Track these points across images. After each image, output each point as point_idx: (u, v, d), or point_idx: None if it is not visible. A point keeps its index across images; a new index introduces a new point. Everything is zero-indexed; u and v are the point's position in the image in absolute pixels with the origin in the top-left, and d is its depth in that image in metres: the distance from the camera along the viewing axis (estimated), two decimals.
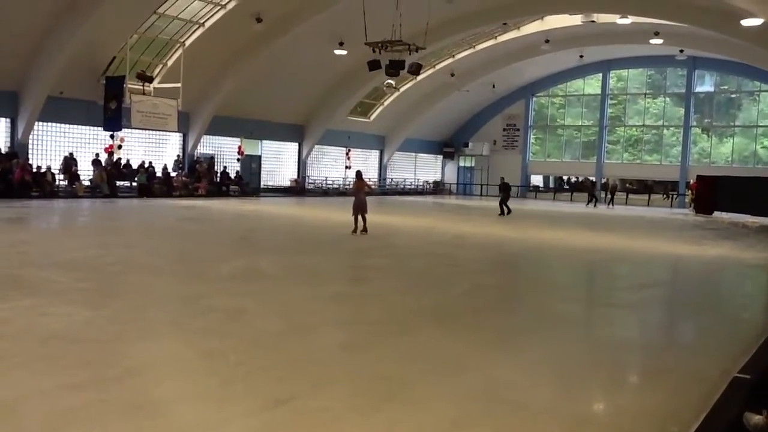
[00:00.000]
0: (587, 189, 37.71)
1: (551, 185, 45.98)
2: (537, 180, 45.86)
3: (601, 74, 40.92)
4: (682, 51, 34.34)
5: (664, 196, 37.89)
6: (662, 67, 39.28)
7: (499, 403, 4.61)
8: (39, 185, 23.45)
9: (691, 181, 35.40)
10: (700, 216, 30.17)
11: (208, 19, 25.76)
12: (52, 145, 25.57)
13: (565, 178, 46.09)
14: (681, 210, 34.91)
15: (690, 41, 31.81)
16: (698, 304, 9.40)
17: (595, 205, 35.01)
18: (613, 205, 35.18)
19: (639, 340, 6.96)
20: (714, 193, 30.89)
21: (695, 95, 38.66)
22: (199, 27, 25.98)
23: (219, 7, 25.36)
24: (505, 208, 24.10)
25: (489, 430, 4.15)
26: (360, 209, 15.00)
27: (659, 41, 31.48)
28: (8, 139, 24.16)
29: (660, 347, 6.76)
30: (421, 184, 44.39)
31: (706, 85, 38.97)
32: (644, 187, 41.24)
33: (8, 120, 24.08)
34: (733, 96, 38.17)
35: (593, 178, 40.11)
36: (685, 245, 17.19)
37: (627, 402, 4.89)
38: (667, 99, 40.08)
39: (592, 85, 41.85)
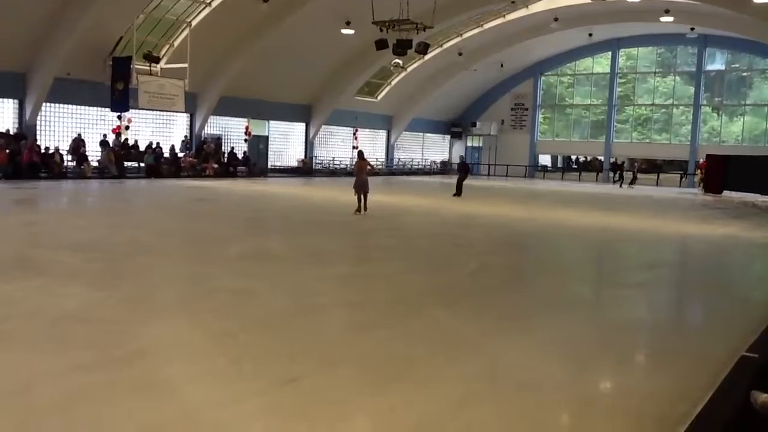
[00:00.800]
0: (617, 168, 37.23)
1: (559, 165, 45.77)
2: (545, 160, 45.64)
3: (610, 53, 40.50)
4: (692, 29, 33.88)
5: (684, 175, 37.55)
6: (672, 45, 38.84)
7: (507, 383, 4.62)
8: (47, 166, 23.52)
9: (701, 161, 35.15)
10: (709, 196, 30.01)
11: None
12: (60, 126, 25.59)
13: (573, 157, 45.88)
14: (690, 190, 34.70)
15: (701, 19, 31.39)
16: (707, 283, 9.38)
17: (620, 185, 34.77)
18: (634, 185, 34.76)
19: (647, 321, 6.95)
20: (724, 173, 30.68)
21: (706, 73, 38.24)
22: (205, 7, 25.83)
23: None
24: (460, 188, 22.39)
25: (496, 410, 4.16)
26: (362, 189, 15.04)
27: (670, 19, 31.08)
28: (16, 121, 24.19)
29: (668, 327, 6.75)
30: (429, 164, 44.27)
31: (716, 63, 38.53)
32: (653, 167, 40.97)
33: (16, 101, 24.09)
34: (744, 74, 37.75)
35: (618, 159, 39.24)
36: (694, 225, 17.11)
37: (635, 382, 4.89)
38: (677, 77, 39.68)
39: (601, 63, 41.45)
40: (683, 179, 37.28)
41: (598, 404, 4.43)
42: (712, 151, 33.70)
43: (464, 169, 23.57)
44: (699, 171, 35.16)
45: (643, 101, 40.58)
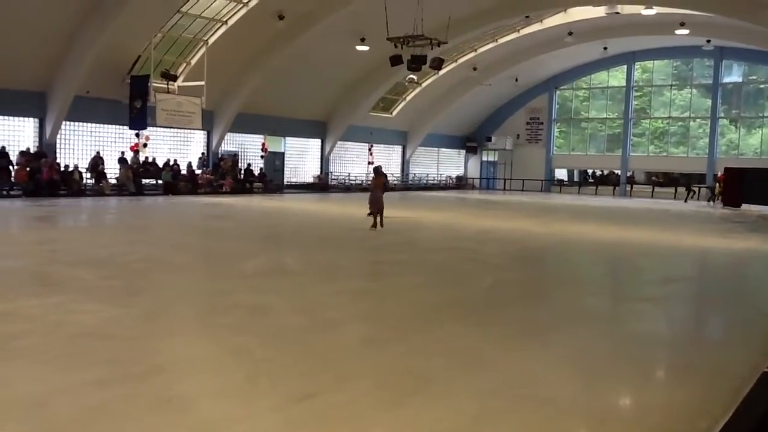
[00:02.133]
0: (679, 183, 36.18)
1: (576, 179, 45.59)
2: (561, 174, 45.49)
3: (625, 66, 40.40)
4: (708, 41, 33.77)
5: (690, 193, 36.07)
6: (688, 58, 38.68)
7: (523, 398, 4.59)
8: (67, 184, 23.81)
9: (719, 174, 34.83)
10: (727, 209, 29.70)
11: (230, 17, 25.93)
12: (79, 144, 25.95)
13: (589, 171, 45.68)
14: (708, 203, 34.37)
15: (717, 31, 31.25)
16: (726, 298, 9.27)
17: (686, 200, 34.10)
18: (714, 201, 33.30)
19: (665, 335, 6.88)
20: (742, 186, 30.37)
21: (723, 86, 38.01)
22: (222, 25, 26.16)
23: (241, 5, 25.50)
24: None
25: (512, 425, 4.14)
26: (377, 204, 15.07)
27: (685, 32, 31.00)
28: (37, 139, 24.55)
29: (687, 342, 6.68)
30: (444, 179, 44.27)
31: (733, 75, 38.29)
32: (670, 180, 40.64)
33: (37, 120, 24.47)
34: (762, 86, 37.47)
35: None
36: (712, 238, 16.94)
37: (654, 397, 4.83)
38: (694, 90, 39.47)
39: (616, 77, 41.36)
40: (693, 196, 35.91)
41: (616, 420, 4.38)
42: (730, 163, 33.41)
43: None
44: (718, 184, 34.82)
45: (659, 114, 40.39)
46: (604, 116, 42.15)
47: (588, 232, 17.28)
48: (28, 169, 22.62)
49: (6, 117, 23.90)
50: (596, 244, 14.76)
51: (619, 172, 41.30)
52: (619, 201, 34.40)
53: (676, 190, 38.07)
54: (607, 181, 43.34)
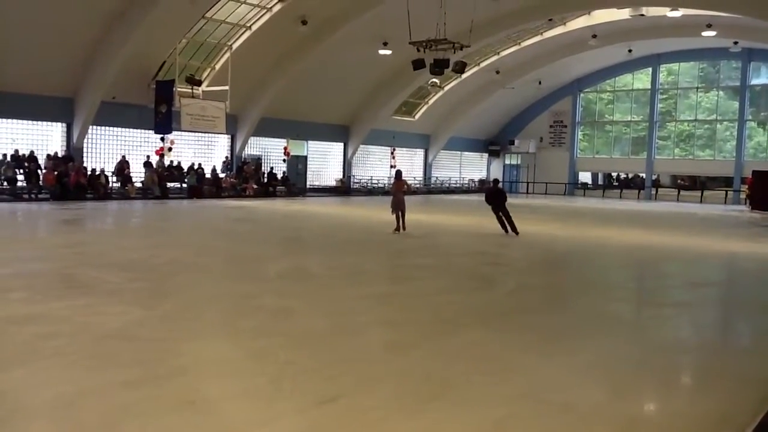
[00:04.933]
0: (706, 186, 35.44)
1: (600, 182, 45.19)
2: (585, 177, 45.12)
3: (650, 68, 39.97)
4: (736, 43, 33.28)
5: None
6: (715, 59, 38.16)
7: (546, 404, 4.56)
8: (93, 187, 24.16)
9: (748, 177, 34.30)
10: (756, 212, 29.24)
11: (254, 22, 26.14)
12: (106, 148, 26.34)
13: (614, 174, 45.22)
14: (736, 207, 33.86)
15: (744, 32, 30.80)
16: (753, 304, 9.12)
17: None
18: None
19: (691, 342, 6.80)
20: None
21: (750, 88, 37.43)
22: (245, 30, 26.38)
23: (265, 11, 25.70)
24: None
25: (535, 431, 4.12)
26: (398, 208, 15.12)
27: (712, 33, 30.58)
28: (64, 144, 24.97)
29: (713, 349, 6.58)
30: (467, 182, 44.13)
31: (762, 77, 37.68)
32: (696, 183, 40.17)
33: (64, 125, 24.89)
34: None
35: None
36: (740, 243, 16.69)
37: (679, 405, 4.78)
38: (721, 92, 38.91)
39: (641, 79, 40.94)
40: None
41: (640, 426, 4.34)
42: (759, 167, 32.89)
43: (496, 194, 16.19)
44: (747, 187, 34.29)
45: (685, 117, 39.89)
46: (629, 119, 41.73)
47: (613, 235, 17.12)
48: (55, 172, 23.01)
49: (34, 122, 24.36)
50: (621, 248, 14.61)
51: (644, 175, 40.85)
52: (644, 204, 34.00)
53: (702, 194, 37.58)
54: (632, 184, 42.92)
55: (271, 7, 25.59)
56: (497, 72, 36.48)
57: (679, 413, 4.54)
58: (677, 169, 40.85)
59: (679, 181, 42.56)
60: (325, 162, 35.44)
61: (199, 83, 26.54)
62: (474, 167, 45.43)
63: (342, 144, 35.80)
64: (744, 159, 37.07)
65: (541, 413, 4.39)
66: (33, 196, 22.75)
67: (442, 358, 5.55)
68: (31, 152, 23.47)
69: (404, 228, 15.16)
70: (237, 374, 5.03)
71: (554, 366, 5.49)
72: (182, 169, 27.67)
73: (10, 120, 23.77)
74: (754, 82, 37.54)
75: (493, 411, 4.37)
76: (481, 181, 44.91)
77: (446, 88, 36.98)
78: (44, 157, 23.77)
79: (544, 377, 5.17)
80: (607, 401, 4.68)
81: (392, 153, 38.17)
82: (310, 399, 4.46)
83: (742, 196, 34.97)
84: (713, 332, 7.56)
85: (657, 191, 39.96)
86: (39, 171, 23.26)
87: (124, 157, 25.97)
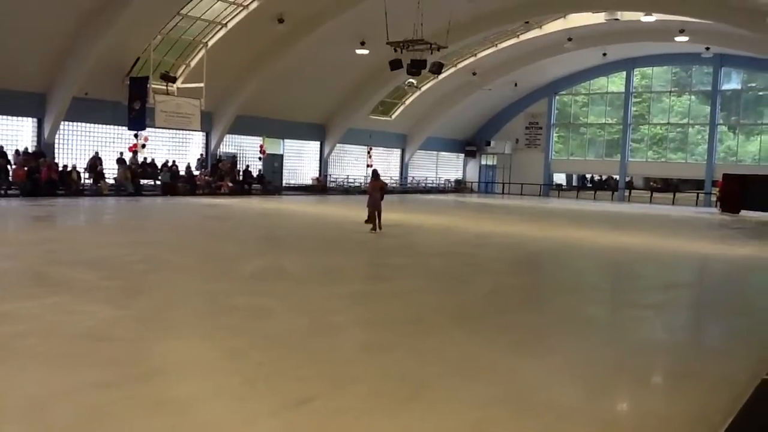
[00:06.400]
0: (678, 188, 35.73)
1: (574, 183, 45.63)
2: (560, 178, 45.55)
3: (625, 72, 40.49)
4: (708, 48, 33.82)
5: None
6: (688, 64, 38.77)
7: (522, 405, 4.57)
8: (65, 184, 23.79)
9: (719, 180, 34.90)
10: (726, 215, 29.74)
11: (230, 19, 25.94)
12: (78, 144, 25.94)
13: (588, 176, 45.67)
14: (707, 209, 34.41)
15: (716, 38, 31.32)
16: (725, 305, 9.26)
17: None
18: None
19: (666, 343, 6.87)
20: (741, 192, 30.43)
21: (722, 93, 38.09)
22: (221, 28, 26.15)
23: (241, 8, 25.51)
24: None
25: None
26: (375, 207, 15.12)
27: (684, 39, 31.06)
28: (35, 139, 24.54)
29: (687, 349, 6.67)
30: (443, 182, 44.30)
31: (732, 82, 38.39)
32: (668, 186, 40.78)
33: (35, 120, 24.47)
34: (761, 93, 37.56)
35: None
36: (711, 244, 16.95)
37: (654, 405, 4.82)
38: (693, 97, 39.54)
39: (615, 83, 41.43)
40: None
41: (617, 426, 4.37)
42: (729, 170, 33.48)
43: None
44: (718, 190, 34.86)
45: (658, 120, 40.46)
46: (603, 122, 42.21)
47: (587, 237, 17.28)
48: (26, 168, 22.59)
49: (4, 117, 23.88)
50: (595, 250, 14.75)
51: (617, 177, 41.37)
52: (617, 206, 34.41)
53: (674, 196, 38.17)
54: (606, 186, 43.43)
55: (247, 5, 25.40)
56: (474, 73, 36.67)
57: (654, 413, 4.58)
58: (650, 171, 41.41)
59: (651, 183, 43.15)
60: (301, 160, 35.32)
61: (173, 80, 26.26)
62: (450, 167, 45.61)
63: (318, 143, 35.70)
64: (715, 162, 37.69)
65: (518, 414, 4.40)
66: (2, 192, 22.30)
67: (419, 359, 5.54)
68: (0, 147, 23.01)
69: (380, 228, 15.17)
70: (212, 374, 4.96)
71: (531, 366, 5.51)
72: (156, 166, 27.36)
73: None
74: (725, 87, 38.21)
75: (471, 412, 4.37)
76: (457, 182, 45.12)
77: (423, 89, 37.09)
78: (13, 152, 23.33)
79: (521, 378, 5.18)
80: (584, 402, 4.70)
81: (369, 152, 38.16)
82: (286, 400, 4.42)
83: (713, 198, 35.58)
84: (687, 333, 7.66)
85: (630, 193, 40.51)
86: (8, 167, 22.83)
87: (97, 153, 25.60)
